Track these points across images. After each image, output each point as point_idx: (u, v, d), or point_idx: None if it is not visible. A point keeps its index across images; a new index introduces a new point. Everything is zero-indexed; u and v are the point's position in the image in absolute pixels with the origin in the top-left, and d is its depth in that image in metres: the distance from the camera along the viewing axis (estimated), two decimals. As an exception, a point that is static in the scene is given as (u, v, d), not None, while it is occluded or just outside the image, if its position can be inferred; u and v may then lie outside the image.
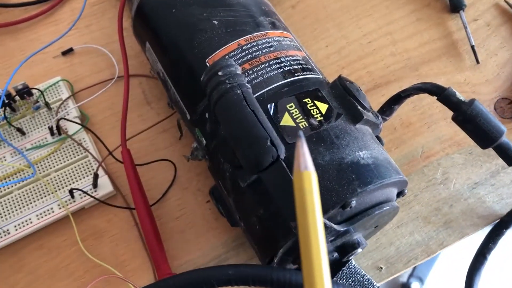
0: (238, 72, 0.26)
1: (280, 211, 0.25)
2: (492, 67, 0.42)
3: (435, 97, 0.32)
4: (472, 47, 0.42)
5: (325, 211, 0.24)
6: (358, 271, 0.32)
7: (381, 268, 0.34)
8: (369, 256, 0.35)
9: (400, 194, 0.29)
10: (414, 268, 1.02)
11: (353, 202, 0.25)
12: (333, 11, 0.44)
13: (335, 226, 0.25)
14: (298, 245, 0.26)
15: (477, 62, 0.42)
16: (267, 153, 0.23)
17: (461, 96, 0.31)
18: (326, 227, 0.24)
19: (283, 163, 0.24)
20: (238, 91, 0.25)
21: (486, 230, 0.36)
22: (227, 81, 0.26)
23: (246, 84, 0.26)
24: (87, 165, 0.36)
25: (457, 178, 0.37)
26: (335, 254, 0.30)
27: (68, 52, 0.41)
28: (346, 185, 0.25)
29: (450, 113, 0.31)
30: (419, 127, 0.39)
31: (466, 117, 0.31)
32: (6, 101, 0.36)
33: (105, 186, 0.35)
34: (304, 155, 0.17)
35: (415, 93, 0.33)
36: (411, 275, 1.01)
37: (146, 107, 0.40)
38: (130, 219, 0.35)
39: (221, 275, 0.25)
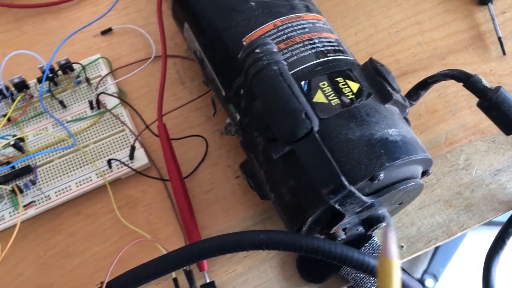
0: (274, 50, 0.28)
1: (311, 181, 0.26)
2: (518, 59, 0.42)
3: (460, 86, 0.33)
4: (499, 38, 0.43)
5: (354, 182, 0.25)
6: (380, 247, 0.34)
7: (402, 246, 0.36)
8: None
9: (424, 173, 0.31)
10: (429, 264, 1.03)
11: (381, 175, 0.26)
12: (362, 1, 0.45)
13: (363, 198, 0.26)
14: (325, 214, 0.28)
15: (504, 53, 0.42)
16: (302, 124, 0.25)
17: (487, 83, 0.32)
18: (354, 196, 0.25)
19: (316, 135, 0.25)
20: (275, 67, 0.27)
21: (505, 216, 0.37)
22: (264, 58, 0.27)
23: (282, 61, 0.28)
24: (123, 138, 0.38)
25: (479, 165, 0.38)
26: (360, 228, 0.31)
27: (107, 31, 0.43)
28: (375, 159, 0.26)
29: (474, 102, 0.32)
30: (443, 114, 0.40)
31: (492, 103, 0.32)
32: (50, 75, 0.38)
33: (141, 158, 0.37)
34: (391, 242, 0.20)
35: (442, 79, 0.34)
36: (425, 272, 1.02)
37: (180, 86, 0.41)
38: (163, 191, 0.37)
39: (253, 239, 0.27)
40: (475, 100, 0.39)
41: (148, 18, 0.44)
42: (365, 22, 0.44)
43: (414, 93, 0.36)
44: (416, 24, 0.44)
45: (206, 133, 0.39)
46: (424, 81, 0.35)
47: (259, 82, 0.27)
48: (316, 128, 0.25)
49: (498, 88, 0.32)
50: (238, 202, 0.37)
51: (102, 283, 0.33)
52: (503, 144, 0.39)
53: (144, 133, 0.38)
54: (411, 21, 0.44)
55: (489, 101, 0.32)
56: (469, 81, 0.33)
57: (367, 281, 0.33)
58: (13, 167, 0.36)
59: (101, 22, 0.43)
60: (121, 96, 0.40)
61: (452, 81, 0.40)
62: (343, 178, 0.24)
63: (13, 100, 0.38)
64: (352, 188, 0.25)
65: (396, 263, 0.20)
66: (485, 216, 0.37)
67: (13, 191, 0.35)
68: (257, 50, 0.28)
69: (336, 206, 0.25)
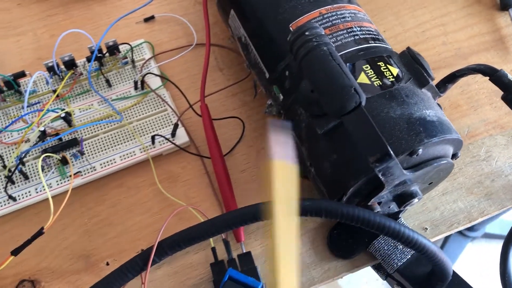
0: (322, 33, 0.30)
1: (357, 151, 0.28)
2: (536, 61, 0.45)
3: (482, 83, 0.35)
4: (519, 41, 0.45)
5: (396, 155, 0.28)
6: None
7: (426, 228, 0.38)
8: (416, 218, 0.38)
9: (454, 156, 0.33)
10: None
11: (420, 150, 0.28)
12: (391, 1, 0.48)
13: (404, 171, 0.28)
14: (365, 186, 0.30)
15: (523, 56, 0.45)
16: (352, 98, 0.27)
17: (512, 77, 0.35)
18: (396, 167, 0.27)
19: (364, 109, 0.28)
20: (324, 48, 0.29)
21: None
22: (313, 40, 0.30)
23: (330, 42, 0.30)
24: (165, 118, 0.40)
25: (499, 157, 0.41)
26: (392, 206, 0.34)
27: (149, 19, 0.46)
28: (414, 136, 0.29)
29: (495, 99, 0.35)
30: (466, 109, 0.43)
31: (516, 96, 0.34)
32: (98, 55, 0.41)
33: (182, 137, 0.39)
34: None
35: (469, 73, 0.37)
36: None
37: (218, 73, 0.44)
38: (202, 168, 0.39)
39: (299, 205, 0.29)
40: (496, 97, 0.42)
41: (188, 9, 0.47)
42: (393, 21, 0.47)
43: (442, 86, 0.38)
44: (441, 26, 0.46)
45: (242, 117, 0.41)
46: (452, 74, 0.37)
47: (310, 61, 0.29)
48: (363, 103, 0.28)
49: (522, 82, 0.34)
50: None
51: (142, 250, 0.36)
52: (521, 139, 0.42)
53: (185, 114, 0.41)
54: (436, 22, 0.47)
55: (514, 94, 0.34)
56: (495, 75, 0.35)
57: (394, 258, 0.35)
58: (60, 139, 0.38)
59: (144, 10, 0.46)
60: (163, 80, 0.42)
61: (475, 79, 0.42)
62: (389, 148, 0.26)
63: (62, 78, 0.41)
64: (396, 158, 0.27)
65: (291, 166, 0.19)
66: (504, 204, 0.39)
67: (61, 160, 0.37)
68: (307, 33, 0.30)
69: (380, 175, 0.27)
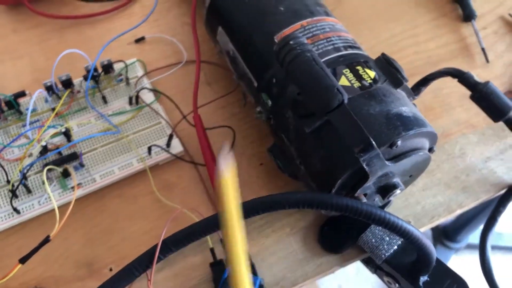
0: (305, 41, 0.34)
1: (343, 145, 0.31)
2: (499, 66, 0.49)
3: (452, 88, 0.39)
4: (483, 49, 0.49)
5: (378, 147, 0.30)
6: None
7: (410, 222, 0.40)
8: (400, 212, 0.41)
9: (430, 150, 0.36)
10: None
11: (399, 142, 0.31)
12: (365, 16, 0.52)
13: (386, 162, 0.31)
14: (352, 178, 0.32)
15: (487, 61, 0.49)
16: (335, 97, 0.30)
17: (478, 78, 0.38)
18: (378, 157, 0.30)
19: (347, 106, 0.30)
20: (308, 54, 0.32)
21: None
22: (297, 48, 0.33)
23: (313, 50, 0.33)
24: (160, 130, 0.43)
25: (472, 153, 0.44)
26: (376, 199, 0.36)
27: (140, 40, 0.49)
28: (393, 129, 0.32)
29: (465, 101, 0.38)
30: (439, 112, 0.46)
31: (482, 94, 0.38)
32: (94, 74, 0.43)
33: (177, 147, 0.42)
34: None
35: (440, 76, 0.40)
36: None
37: (207, 87, 0.47)
38: (196, 175, 0.42)
39: (291, 198, 0.31)
40: (465, 100, 0.45)
41: (175, 29, 0.50)
42: (368, 34, 0.50)
43: (416, 89, 0.41)
44: (412, 37, 0.50)
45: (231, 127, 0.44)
46: (425, 78, 0.41)
47: (295, 67, 0.32)
48: (346, 101, 0.31)
49: (487, 82, 0.38)
50: (263, 186, 0.42)
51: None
52: (491, 136, 0.45)
53: (178, 126, 0.43)
54: (408, 33, 0.51)
55: (480, 92, 0.38)
56: (463, 77, 0.39)
57: (382, 249, 0.38)
58: (60, 153, 0.40)
59: (135, 32, 0.49)
60: (156, 95, 0.45)
61: (445, 84, 0.46)
62: (371, 139, 0.29)
63: (60, 96, 0.43)
64: (377, 148, 0.30)
65: (232, 181, 0.23)
66: (479, 196, 0.42)
67: (62, 173, 0.39)
68: (291, 42, 0.33)
69: (364, 165, 0.30)
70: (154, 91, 0.44)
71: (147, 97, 0.44)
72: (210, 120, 0.44)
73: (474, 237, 1.18)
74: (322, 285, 1.08)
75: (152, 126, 0.43)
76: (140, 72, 0.46)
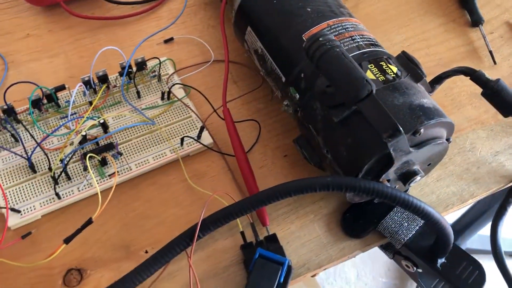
0: (333, 38, 0.36)
1: (366, 137, 0.34)
2: (506, 67, 0.52)
3: (462, 87, 0.41)
4: (490, 51, 0.53)
5: (401, 134, 0.33)
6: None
7: (426, 210, 0.43)
8: (416, 201, 0.43)
9: (447, 140, 0.39)
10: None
11: (422, 130, 0.34)
12: (379, 21, 0.55)
13: (410, 148, 0.34)
14: (377, 163, 0.35)
15: (494, 63, 0.52)
16: (365, 87, 0.33)
17: (489, 76, 0.42)
18: (404, 143, 0.33)
19: (375, 96, 0.33)
20: (337, 49, 0.35)
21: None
22: (327, 44, 0.36)
23: (341, 45, 0.36)
24: (190, 123, 0.45)
25: (482, 148, 0.47)
26: (397, 186, 0.39)
27: (169, 40, 0.51)
28: (416, 118, 0.34)
29: (475, 100, 0.40)
30: (450, 109, 0.49)
31: (493, 91, 0.41)
32: (129, 70, 0.46)
33: (207, 138, 0.44)
34: None
35: (453, 74, 0.43)
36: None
37: (233, 85, 0.49)
38: (225, 165, 0.44)
39: (323, 181, 0.34)
40: (475, 98, 0.49)
41: (202, 31, 0.53)
42: (382, 37, 0.53)
43: (431, 86, 0.44)
44: (423, 40, 0.54)
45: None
46: (439, 76, 0.44)
47: (326, 60, 0.35)
48: (374, 91, 0.33)
49: (497, 79, 0.41)
50: (287, 175, 0.44)
51: (178, 238, 0.39)
52: (499, 132, 0.48)
53: (208, 119, 0.46)
54: (419, 37, 0.54)
55: (491, 89, 0.41)
56: (475, 75, 0.42)
57: (401, 233, 0.40)
58: (97, 144, 0.43)
59: (164, 33, 0.52)
60: (186, 91, 0.47)
61: (456, 83, 0.49)
62: (398, 125, 0.32)
63: (96, 91, 0.46)
64: (404, 134, 0.32)
65: None
66: (490, 186, 0.45)
67: (100, 162, 0.42)
68: (320, 39, 0.36)
69: (391, 150, 0.33)
70: (186, 86, 0.47)
71: (178, 92, 0.47)
72: (236, 115, 0.47)
73: (472, 242, 1.20)
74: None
75: (183, 119, 0.45)
76: (170, 69, 0.49)
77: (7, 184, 0.41)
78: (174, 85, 0.46)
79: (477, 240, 1.17)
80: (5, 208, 0.39)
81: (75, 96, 0.45)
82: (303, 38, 0.40)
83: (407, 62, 0.39)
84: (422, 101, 0.36)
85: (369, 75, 0.37)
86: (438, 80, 0.44)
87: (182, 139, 0.43)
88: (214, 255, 0.40)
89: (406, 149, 0.34)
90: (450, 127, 0.37)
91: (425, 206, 0.34)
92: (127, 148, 0.43)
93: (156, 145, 0.44)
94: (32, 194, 0.40)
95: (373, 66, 0.37)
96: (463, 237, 1.19)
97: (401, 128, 0.32)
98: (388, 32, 0.54)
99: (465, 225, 1.15)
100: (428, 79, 0.50)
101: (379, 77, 0.37)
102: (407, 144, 0.34)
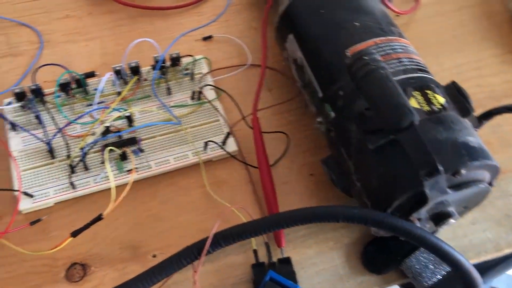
0: (379, 58, 0.34)
1: (401, 170, 0.31)
2: None
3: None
4: (549, 90, 0.48)
5: (439, 173, 0.30)
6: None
7: (456, 253, 0.40)
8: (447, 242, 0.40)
9: (489, 184, 0.36)
10: None
11: (463, 171, 0.31)
12: (431, 43, 0.52)
13: (447, 189, 0.31)
14: (409, 200, 0.32)
15: (552, 103, 0.48)
16: (407, 116, 0.30)
17: (546, 118, 0.38)
18: (442, 183, 0.30)
19: (417, 128, 0.30)
20: (382, 71, 0.33)
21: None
22: (372, 64, 0.33)
23: (387, 67, 0.33)
24: (217, 127, 0.43)
25: (527, 194, 0.43)
26: (427, 226, 0.36)
27: (208, 38, 0.50)
28: (458, 157, 0.31)
29: None
30: (497, 147, 0.45)
31: (548, 136, 0.37)
32: (162, 65, 0.44)
33: (231, 146, 0.42)
34: None
35: (505, 111, 0.40)
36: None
37: (267, 92, 0.47)
38: (247, 176, 0.42)
39: (348, 212, 0.31)
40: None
41: (243, 32, 0.51)
42: (432, 61, 0.50)
43: (478, 121, 0.41)
44: (476, 69, 0.50)
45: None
46: (489, 112, 0.40)
47: (369, 82, 0.32)
48: (416, 122, 0.31)
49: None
50: (311, 196, 0.42)
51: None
52: (548, 179, 0.44)
53: (235, 125, 0.44)
54: (472, 65, 0.50)
55: (546, 133, 0.37)
56: (530, 115, 0.38)
57: (425, 276, 0.37)
58: (119, 137, 0.42)
59: (204, 30, 0.50)
60: (217, 93, 0.46)
61: (506, 121, 0.45)
62: (438, 163, 0.29)
63: (127, 81, 0.44)
64: (443, 174, 0.30)
65: None
66: (530, 238, 0.41)
67: (120, 156, 0.40)
68: (365, 57, 0.34)
69: (426, 189, 0.30)
70: (217, 89, 0.45)
71: (209, 94, 0.45)
72: (266, 124, 0.45)
73: (498, 281, 1.14)
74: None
75: (210, 122, 0.44)
76: (205, 69, 0.47)
77: (24, 166, 0.40)
78: (205, 86, 0.44)
79: (504, 280, 1.11)
80: (17, 191, 0.38)
81: (104, 85, 0.44)
82: (347, 53, 0.37)
83: (456, 93, 0.35)
84: (467, 139, 0.33)
85: (413, 103, 0.34)
86: (488, 115, 0.40)
87: (206, 143, 0.41)
88: (223, 270, 0.38)
89: (443, 189, 0.31)
90: (494, 170, 0.34)
91: (456, 254, 0.31)
92: (149, 145, 0.42)
93: (179, 145, 0.42)
94: (47, 180, 0.39)
95: (419, 94, 0.34)
96: (491, 275, 1.14)
97: (440, 167, 0.29)
98: (439, 56, 0.51)
99: (494, 263, 1.10)
100: (478, 111, 0.47)
101: (424, 106, 0.34)
102: (445, 185, 0.31)
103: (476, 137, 0.34)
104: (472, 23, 0.54)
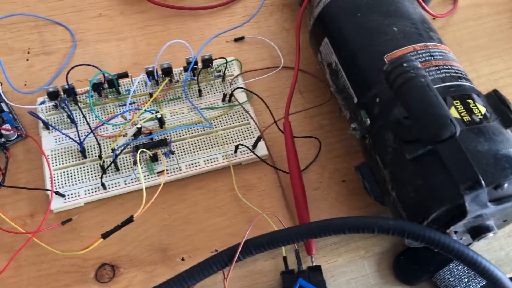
0: (419, 66, 0.33)
1: (440, 181, 0.30)
2: None
3: None
4: None
5: (481, 187, 0.29)
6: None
7: (491, 267, 0.39)
8: (481, 255, 0.39)
9: (531, 198, 0.34)
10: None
11: (506, 185, 0.30)
12: (467, 48, 0.50)
13: (488, 203, 0.30)
14: (447, 213, 0.31)
15: None
16: (448, 128, 0.29)
17: None
18: (483, 197, 0.29)
19: (458, 139, 0.29)
20: (422, 80, 0.32)
21: None
22: (411, 71, 0.32)
23: (427, 75, 0.32)
24: (247, 130, 0.43)
25: None
26: (464, 238, 0.35)
27: (239, 39, 0.49)
28: (500, 170, 0.30)
29: None
30: (535, 157, 0.44)
31: None
32: (194, 66, 0.44)
33: (262, 149, 0.42)
34: None
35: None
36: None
37: (299, 95, 0.46)
38: (276, 181, 0.42)
39: (384, 223, 0.31)
40: None
41: (275, 34, 0.50)
42: (467, 67, 0.49)
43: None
44: (515, 76, 0.48)
45: (319, 138, 0.44)
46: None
47: (408, 90, 0.31)
48: (457, 134, 0.30)
49: None
50: (343, 202, 0.41)
51: (216, 250, 0.38)
52: None
53: (266, 129, 0.43)
54: (510, 72, 0.49)
55: None
56: None
57: (459, 290, 0.36)
58: (151, 138, 0.41)
59: (235, 31, 0.49)
60: (248, 96, 0.45)
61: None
62: (480, 177, 0.28)
63: (159, 83, 0.44)
64: (485, 188, 0.29)
65: None
66: None
67: (151, 157, 0.40)
68: (404, 64, 0.33)
69: (466, 203, 0.29)
70: (248, 91, 0.44)
71: (240, 96, 0.44)
72: (298, 128, 0.44)
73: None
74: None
75: (241, 125, 0.43)
76: (236, 71, 0.46)
77: (56, 165, 0.40)
78: (237, 88, 0.44)
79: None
80: (50, 190, 0.38)
81: (136, 86, 0.44)
82: (385, 59, 0.36)
83: (498, 102, 0.34)
84: (510, 151, 0.31)
85: (453, 113, 0.33)
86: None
87: (236, 147, 0.41)
88: (252, 276, 0.38)
89: (483, 203, 0.30)
90: (538, 185, 0.33)
91: (495, 270, 0.30)
92: (179, 147, 0.42)
93: (209, 148, 0.42)
94: (78, 180, 0.40)
95: (459, 103, 0.33)
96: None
97: (482, 181, 0.28)
98: (475, 62, 0.49)
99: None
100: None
101: (464, 116, 0.33)
102: (486, 199, 0.30)
103: (519, 149, 0.33)
104: (511, 28, 0.52)
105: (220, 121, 0.43)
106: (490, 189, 0.30)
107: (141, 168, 0.40)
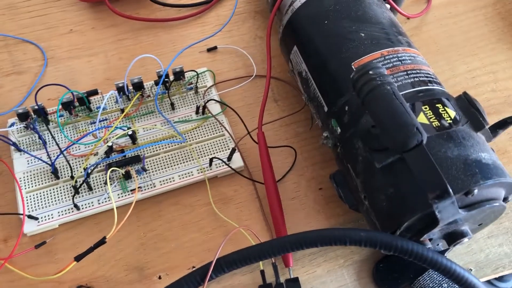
0: (385, 73, 0.32)
1: (416, 187, 0.30)
2: None
3: None
4: None
5: (449, 196, 0.29)
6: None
7: (471, 269, 0.38)
8: (461, 258, 0.39)
9: (505, 199, 0.34)
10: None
11: (475, 191, 0.30)
12: (443, 46, 0.50)
13: (459, 210, 0.29)
14: (420, 221, 0.31)
15: None
16: (414, 136, 0.29)
17: None
18: (453, 205, 0.29)
19: (425, 148, 0.29)
20: (388, 87, 0.31)
21: None
22: (377, 79, 0.32)
23: (393, 82, 0.32)
24: (222, 142, 0.42)
25: (546, 205, 0.41)
26: (440, 244, 0.35)
27: (212, 49, 0.49)
28: (470, 176, 0.30)
29: None
30: (513, 155, 0.44)
31: None
32: (165, 80, 0.43)
33: (237, 161, 0.41)
34: None
35: (521, 120, 0.38)
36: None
37: (273, 104, 0.46)
38: (253, 192, 0.41)
39: (355, 235, 0.30)
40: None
41: (248, 42, 0.50)
42: (444, 66, 0.48)
43: (493, 131, 0.39)
44: (491, 73, 0.48)
45: (294, 147, 0.43)
46: (504, 120, 0.38)
47: (374, 99, 0.31)
48: (424, 142, 0.29)
49: None
50: (320, 210, 0.41)
51: (193, 267, 0.37)
52: None
53: (241, 140, 0.43)
54: (486, 69, 0.48)
55: None
56: (547, 124, 0.36)
57: (439, 296, 0.36)
58: (124, 156, 0.41)
59: (208, 41, 0.49)
60: (222, 107, 0.45)
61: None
62: (448, 186, 0.28)
63: (130, 98, 0.44)
64: (454, 197, 0.28)
65: None
66: (550, 252, 0.39)
67: (124, 175, 0.40)
68: (370, 72, 0.32)
69: (436, 212, 0.29)
70: (221, 103, 0.44)
71: (213, 107, 0.44)
72: (273, 137, 0.44)
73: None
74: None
75: (216, 137, 0.43)
76: (209, 81, 0.46)
77: (28, 187, 0.40)
78: (210, 100, 0.43)
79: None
80: (22, 214, 0.38)
81: (106, 102, 0.43)
82: (353, 67, 0.36)
83: (468, 106, 0.34)
84: (480, 156, 0.31)
85: (422, 118, 0.32)
86: (503, 125, 0.38)
87: (211, 160, 0.41)
88: (230, 291, 0.37)
89: (454, 211, 0.29)
90: (510, 187, 0.32)
91: (470, 276, 0.30)
92: (153, 163, 0.41)
93: (183, 162, 0.41)
94: (52, 202, 0.39)
95: (428, 109, 0.33)
96: None
97: (450, 190, 0.28)
98: (452, 61, 0.49)
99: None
100: (492, 117, 0.45)
101: (433, 122, 0.32)
102: (456, 207, 0.29)
103: (490, 152, 0.32)
104: (486, 25, 0.52)
105: (194, 134, 0.43)
106: (460, 195, 0.30)
107: (115, 186, 0.40)
